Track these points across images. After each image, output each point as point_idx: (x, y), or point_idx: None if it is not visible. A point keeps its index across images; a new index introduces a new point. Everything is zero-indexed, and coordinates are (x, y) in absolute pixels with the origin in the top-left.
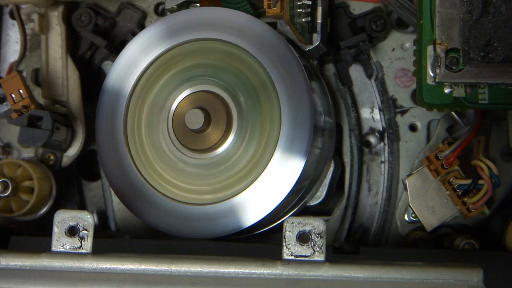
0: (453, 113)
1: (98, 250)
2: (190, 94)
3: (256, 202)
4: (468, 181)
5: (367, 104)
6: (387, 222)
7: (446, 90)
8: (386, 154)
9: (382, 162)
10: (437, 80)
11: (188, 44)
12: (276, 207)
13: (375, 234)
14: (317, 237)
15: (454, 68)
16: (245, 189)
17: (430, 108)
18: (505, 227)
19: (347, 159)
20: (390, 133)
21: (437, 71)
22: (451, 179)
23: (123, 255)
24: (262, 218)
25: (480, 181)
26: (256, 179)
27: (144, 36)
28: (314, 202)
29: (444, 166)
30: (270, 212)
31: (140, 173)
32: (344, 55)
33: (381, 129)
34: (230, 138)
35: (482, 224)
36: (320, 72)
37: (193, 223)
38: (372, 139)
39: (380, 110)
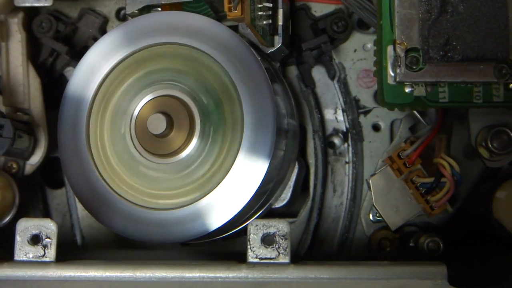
0: (415, 112)
1: (62, 258)
2: (152, 99)
3: (220, 206)
4: (431, 180)
5: (330, 105)
6: (353, 222)
7: (407, 90)
8: (350, 155)
9: (346, 162)
10: (397, 79)
11: (149, 48)
12: (241, 210)
13: (340, 234)
14: (282, 239)
15: (414, 67)
16: (209, 192)
17: (392, 107)
18: (490, 201)
19: (311, 160)
20: (354, 133)
21: (398, 70)
22: (413, 178)
23: (87, 263)
24: (227, 222)
25: (443, 179)
26: (220, 182)
27: (105, 42)
28: (279, 204)
29: (407, 165)
30: (235, 215)
31: (104, 179)
32: (306, 57)
33: (344, 129)
34: (193, 142)
35: (446, 222)
36: (283, 74)
37: (158, 229)
38: (336, 140)
39: (343, 111)
